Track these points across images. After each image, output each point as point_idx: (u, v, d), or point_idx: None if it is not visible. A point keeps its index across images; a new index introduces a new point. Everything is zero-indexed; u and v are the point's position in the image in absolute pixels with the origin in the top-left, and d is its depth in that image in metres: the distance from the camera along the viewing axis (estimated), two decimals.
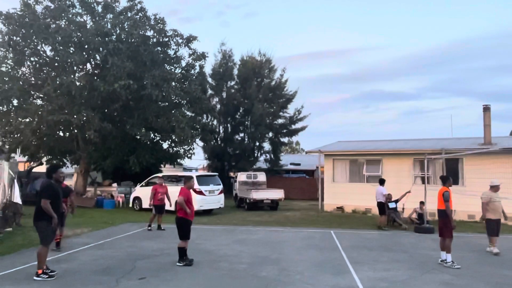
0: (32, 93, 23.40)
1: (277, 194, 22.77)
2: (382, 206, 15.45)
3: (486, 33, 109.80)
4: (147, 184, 20.22)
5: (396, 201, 16.23)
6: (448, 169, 18.40)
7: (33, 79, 23.20)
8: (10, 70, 22.74)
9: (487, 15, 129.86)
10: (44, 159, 26.64)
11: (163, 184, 14.81)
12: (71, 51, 22.08)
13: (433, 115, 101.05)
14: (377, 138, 34.97)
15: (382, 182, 16.01)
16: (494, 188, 11.01)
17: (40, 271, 7.34)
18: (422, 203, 15.76)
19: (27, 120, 22.82)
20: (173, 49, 26.06)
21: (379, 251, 10.66)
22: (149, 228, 13.89)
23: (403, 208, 16.99)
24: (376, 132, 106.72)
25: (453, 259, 9.11)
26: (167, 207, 14.41)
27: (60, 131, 24.79)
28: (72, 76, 22.23)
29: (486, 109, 20.06)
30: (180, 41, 25.76)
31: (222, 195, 20.10)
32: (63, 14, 22.46)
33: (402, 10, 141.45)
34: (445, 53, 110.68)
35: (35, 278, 7.26)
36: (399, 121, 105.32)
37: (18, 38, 22.34)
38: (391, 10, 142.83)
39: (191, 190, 9.17)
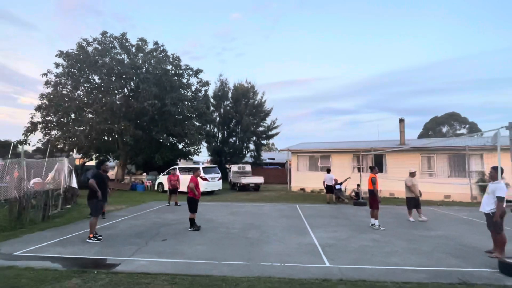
0: (85, 109, 22.87)
1: (259, 179, 22.78)
2: (330, 188, 15.58)
3: (402, 67, 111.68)
4: (167, 173, 20.02)
5: (341, 184, 16.39)
6: (376, 162, 18.74)
7: (85, 99, 22.71)
8: (69, 92, 22.22)
9: (403, 55, 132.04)
10: (93, 156, 26.20)
11: (175, 174, 14.81)
12: (113, 79, 21.67)
13: (366, 124, 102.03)
14: (328, 140, 35.19)
15: (328, 171, 16.15)
16: (413, 174, 11.04)
17: (91, 235, 7.26)
18: (358, 185, 15.96)
19: (81, 128, 22.35)
20: (185, 78, 25.71)
21: (329, 219, 10.75)
22: (168, 204, 13.92)
23: (345, 189, 17.18)
24: (328, 136, 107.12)
25: (380, 223, 9.27)
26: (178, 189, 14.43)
27: (105, 136, 24.31)
28: (113, 97, 21.80)
29: (401, 120, 20.38)
30: (190, 73, 25.47)
31: (221, 181, 20.01)
32: (107, 53, 22.05)
33: (345, 49, 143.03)
34: (375, 81, 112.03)
35: (87, 240, 7.17)
36: (343, 129, 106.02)
37: (75, 70, 21.84)
38: (336, 50, 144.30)
39: (198, 178, 9.16)
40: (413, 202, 10.73)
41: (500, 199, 6.04)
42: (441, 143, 17.02)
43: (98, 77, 22.16)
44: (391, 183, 16.97)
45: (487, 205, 6.34)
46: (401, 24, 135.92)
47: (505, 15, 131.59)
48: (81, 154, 25.33)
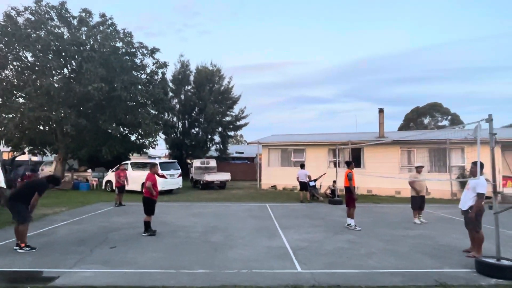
0: (15, 92, 21.55)
1: (225, 176, 22.81)
2: (304, 185, 15.94)
3: (381, 54, 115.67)
4: (117, 170, 19.49)
5: (315, 181, 16.82)
6: (353, 156, 19.39)
7: (15, 80, 21.38)
8: None
9: (382, 41, 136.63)
10: (26, 149, 24.86)
11: (124, 170, 14.74)
12: (49, 58, 20.52)
13: (343, 115, 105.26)
14: (302, 132, 35.90)
15: (302, 166, 16.50)
16: (418, 169, 10.84)
17: (23, 244, 6.94)
18: (334, 181, 16.44)
19: (10, 115, 21.07)
20: (139, 58, 24.96)
21: (302, 219, 11.03)
22: (116, 205, 13.69)
23: (320, 185, 17.63)
24: (302, 128, 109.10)
25: (356, 223, 9.66)
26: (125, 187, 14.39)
27: (40, 126, 23.09)
28: (50, 78, 20.67)
29: (381, 111, 21.16)
30: (145, 52, 24.76)
31: (181, 178, 19.82)
32: (42, 26, 20.79)
33: (321, 32, 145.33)
34: (353, 68, 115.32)
35: (18, 250, 6.85)
36: (318, 119, 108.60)
37: (1, 45, 20.43)
38: (314, 32, 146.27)
39: (155, 174, 9.02)
40: (419, 201, 10.46)
41: (480, 196, 6.50)
42: (422, 136, 17.92)
43: (31, 54, 20.88)
44: (369, 179, 17.66)
45: (467, 202, 6.79)
46: (382, 8, 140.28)
47: (487, 3, 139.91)
48: (10, 147, 23.93)
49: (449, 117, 49.99)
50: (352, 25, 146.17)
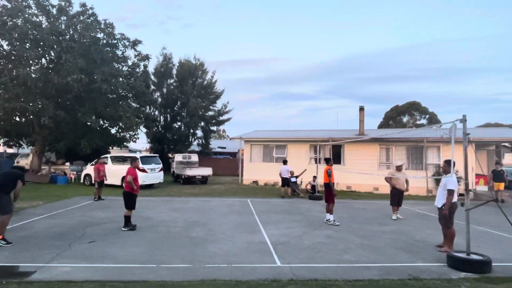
0: None
1: (207, 171, 22.74)
2: (286, 180, 16.12)
3: (363, 53, 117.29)
4: (96, 163, 19.16)
5: (296, 177, 17.01)
6: (334, 153, 19.69)
7: None
8: None
9: (365, 40, 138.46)
10: (1, 141, 24.08)
11: (103, 164, 14.63)
12: (27, 47, 19.86)
13: (325, 112, 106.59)
14: (284, 128, 36.10)
15: (285, 162, 16.67)
16: (398, 167, 10.95)
17: (0, 237, 6.79)
18: (314, 177, 16.68)
19: None
20: (120, 50, 24.48)
21: (282, 214, 11.16)
22: (96, 199, 13.50)
23: (301, 182, 17.84)
24: (285, 124, 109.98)
25: (335, 218, 9.86)
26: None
27: (17, 117, 22.40)
28: (28, 68, 20.05)
29: (361, 109, 21.51)
30: (127, 43, 24.30)
31: (162, 172, 19.64)
32: (19, 14, 20.06)
33: (305, 30, 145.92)
34: (335, 65, 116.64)
35: None
36: (301, 116, 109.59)
37: None
38: (298, 29, 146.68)
39: (136, 169, 8.95)
40: (397, 196, 10.65)
41: (450, 192, 6.79)
42: (400, 135, 18.35)
43: (7, 42, 20.15)
44: (349, 176, 17.98)
45: (440, 199, 7.10)
46: (365, 8, 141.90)
47: (466, 7, 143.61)
48: None
49: (427, 116, 51.21)
50: (335, 23, 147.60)
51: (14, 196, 7.10)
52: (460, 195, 7.62)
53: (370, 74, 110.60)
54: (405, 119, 52.60)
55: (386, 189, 17.32)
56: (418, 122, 50.87)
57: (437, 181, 17.38)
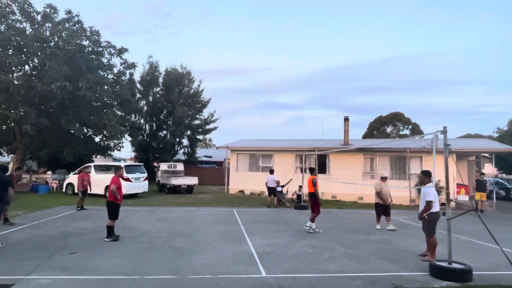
0: None
1: (193, 180, 22.54)
2: (272, 190, 16.13)
3: (348, 63, 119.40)
4: (79, 172, 18.77)
5: (282, 186, 17.04)
6: (319, 162, 19.82)
7: None
8: None
9: (349, 51, 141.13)
10: None
11: (88, 173, 14.41)
12: (10, 53, 19.50)
13: (310, 121, 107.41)
14: (270, 137, 36.18)
15: (271, 171, 16.70)
16: (384, 179, 10.86)
17: None
18: (300, 187, 16.73)
19: None
20: (106, 57, 24.22)
21: (268, 224, 11.15)
22: (78, 209, 13.20)
23: (287, 191, 17.87)
24: (270, 133, 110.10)
25: (320, 228, 9.91)
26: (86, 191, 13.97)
27: None
28: (10, 75, 19.65)
29: (346, 119, 21.78)
30: (113, 51, 24.07)
31: (147, 181, 19.36)
32: (2, 19, 19.74)
33: (290, 40, 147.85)
34: (320, 76, 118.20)
35: None
36: (286, 125, 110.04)
37: None
38: (283, 39, 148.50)
39: (120, 178, 8.83)
40: (382, 208, 10.70)
41: (428, 203, 6.95)
42: (384, 145, 18.65)
43: None
44: (334, 185, 18.13)
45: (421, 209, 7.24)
46: (347, 19, 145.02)
47: (445, 20, 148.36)
48: None
49: (410, 127, 52.19)
50: (320, 34, 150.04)
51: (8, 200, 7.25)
52: (442, 204, 7.77)
53: (355, 85, 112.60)
54: (388, 129, 53.49)
55: (370, 198, 17.51)
56: (401, 133, 51.77)
57: (420, 191, 17.68)
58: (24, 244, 7.64)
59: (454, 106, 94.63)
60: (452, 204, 15.17)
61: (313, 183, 10.00)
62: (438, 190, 7.42)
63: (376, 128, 53.29)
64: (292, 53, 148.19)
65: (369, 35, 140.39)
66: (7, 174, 8.28)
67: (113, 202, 8.40)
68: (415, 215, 14.05)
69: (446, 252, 6.28)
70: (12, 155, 23.90)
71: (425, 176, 7.31)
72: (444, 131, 6.36)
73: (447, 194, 6.39)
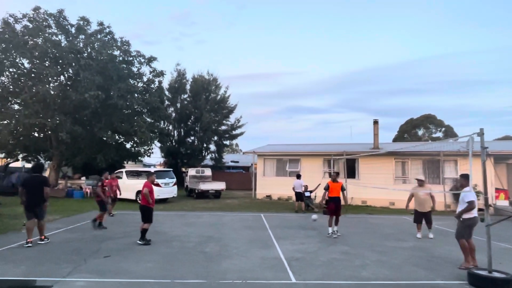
0: (10, 99, 21.53)
1: (220, 185, 22.75)
2: (300, 195, 15.99)
3: (375, 66, 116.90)
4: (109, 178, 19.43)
5: (311, 191, 16.86)
6: (348, 167, 19.47)
7: (11, 87, 21.35)
8: None
9: (378, 52, 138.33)
10: (20, 156, 24.69)
11: (115, 179, 14.38)
12: (46, 65, 20.57)
13: (338, 125, 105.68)
14: (297, 142, 35.95)
15: (298, 176, 16.58)
16: (420, 182, 10.31)
17: (43, 237, 8.39)
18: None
19: (5, 122, 21.01)
20: (136, 66, 25.07)
21: (297, 229, 11.05)
22: (111, 215, 13.51)
23: (315, 196, 17.65)
24: (297, 137, 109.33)
25: (351, 234, 9.74)
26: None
27: (35, 132, 23.01)
28: (47, 86, 20.70)
29: (375, 122, 21.32)
30: (142, 60, 24.88)
31: (176, 186, 19.72)
32: (40, 33, 20.88)
33: (316, 43, 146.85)
34: (348, 78, 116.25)
35: (38, 242, 8.22)
36: (314, 129, 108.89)
37: None
38: (309, 43, 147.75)
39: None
40: (419, 215, 10.12)
41: (470, 203, 6.70)
42: (416, 148, 18.08)
43: (28, 61, 20.95)
44: (364, 190, 17.74)
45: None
46: (377, 19, 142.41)
47: (480, 18, 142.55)
48: (4, 154, 23.76)
49: (443, 129, 50.44)
50: (347, 36, 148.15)
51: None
52: (480, 210, 7.43)
53: (383, 87, 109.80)
54: (420, 132, 51.90)
55: (402, 203, 16.96)
56: (434, 135, 50.10)
57: (455, 196, 16.97)
58: (61, 247, 7.96)
59: (490, 107, 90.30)
60: (491, 209, 14.47)
61: (342, 189, 10.17)
62: (475, 194, 7.10)
63: (407, 131, 51.85)
64: (318, 56, 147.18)
65: (398, 35, 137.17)
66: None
67: (146, 206, 8.61)
68: (450, 221, 13.52)
69: (485, 260, 5.99)
70: (49, 161, 25.09)
71: (465, 180, 7.05)
72: (480, 133, 6.11)
73: (485, 199, 6.11)
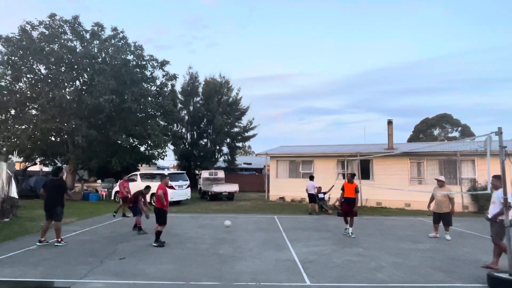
0: (28, 104, 22.08)
1: (233, 187, 22.80)
2: (313, 197, 15.90)
3: (390, 65, 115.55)
4: (127, 181, 19.65)
5: (324, 193, 16.73)
6: (362, 168, 19.26)
7: (29, 92, 21.90)
8: (8, 84, 21.36)
9: (390, 51, 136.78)
10: (37, 160, 25.26)
11: (127, 180, 14.87)
12: (62, 70, 21.06)
13: (351, 126, 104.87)
14: (310, 143, 35.91)
15: (311, 178, 16.48)
16: (440, 183, 10.17)
17: (59, 239, 8.43)
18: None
19: (23, 127, 21.56)
20: (149, 70, 25.45)
21: (310, 231, 10.97)
22: (127, 216, 13.70)
23: (329, 198, 17.51)
24: (309, 139, 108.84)
25: (365, 236, 9.64)
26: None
27: (52, 137, 23.52)
28: (63, 91, 21.16)
29: (390, 122, 21.06)
30: (155, 64, 25.24)
31: (189, 189, 19.88)
32: (56, 39, 21.39)
33: (327, 44, 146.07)
34: (360, 78, 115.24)
35: (55, 244, 8.31)
36: (326, 130, 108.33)
37: (16, 58, 21.04)
38: (319, 43, 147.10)
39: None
40: (436, 216, 10.04)
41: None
42: (431, 148, 17.77)
43: (44, 66, 21.46)
44: (379, 191, 17.52)
45: (493, 212, 6.74)
46: (389, 18, 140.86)
47: (496, 14, 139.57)
48: (22, 158, 24.35)
49: (459, 128, 49.49)
50: (358, 36, 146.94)
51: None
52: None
53: (397, 87, 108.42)
54: (436, 132, 51.05)
55: (418, 205, 16.78)
56: (450, 135, 49.19)
57: (473, 196, 16.61)
58: (77, 249, 8.10)
59: (509, 105, 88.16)
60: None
61: (356, 190, 10.16)
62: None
63: (422, 131, 51.07)
64: (329, 57, 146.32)
65: (411, 34, 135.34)
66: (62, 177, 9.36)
67: (160, 209, 8.66)
68: (468, 222, 13.24)
69: (506, 263, 5.83)
70: (65, 165, 25.60)
71: (498, 180, 6.84)
72: (499, 132, 5.96)
73: (505, 200, 5.95)
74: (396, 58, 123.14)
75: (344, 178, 17.19)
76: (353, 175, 10.77)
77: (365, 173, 19.36)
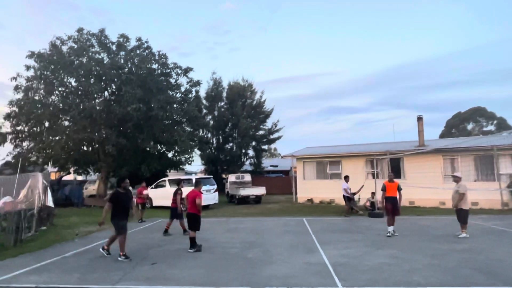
0: (61, 116, 23.02)
1: (260, 190, 22.79)
2: (345, 197, 15.63)
3: (417, 59, 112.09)
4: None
5: (354, 194, 16.41)
6: (392, 166, 18.75)
7: (61, 105, 22.84)
8: (42, 98, 22.39)
9: (417, 46, 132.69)
10: (71, 169, 26.27)
11: (145, 187, 15.32)
12: (91, 82, 21.83)
13: (379, 124, 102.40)
14: (337, 143, 35.30)
15: (345, 178, 16.08)
16: (456, 179, 10.26)
17: (122, 253, 7.85)
18: (373, 193, 15.99)
19: (57, 138, 22.49)
20: (174, 78, 25.96)
21: (341, 233, 10.77)
22: (140, 221, 14.08)
23: (359, 198, 17.16)
24: (336, 138, 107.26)
25: (399, 237, 9.42)
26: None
27: (84, 146, 24.42)
28: (93, 102, 21.96)
29: (419, 119, 20.43)
30: (179, 71, 25.70)
31: (217, 193, 20.03)
32: (84, 52, 22.23)
33: (350, 42, 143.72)
34: (386, 75, 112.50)
35: (118, 258, 7.77)
36: (353, 130, 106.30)
37: (48, 73, 22.03)
38: (343, 42, 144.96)
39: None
40: (456, 213, 10.01)
41: None
42: (465, 144, 17.06)
43: (74, 79, 22.32)
44: (411, 190, 16.97)
45: None
46: (413, 15, 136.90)
47: None
48: (57, 168, 25.38)
49: (495, 122, 47.35)
50: (381, 32, 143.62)
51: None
52: None
53: (425, 82, 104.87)
54: (469, 126, 49.08)
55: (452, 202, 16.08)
56: (485, 129, 47.11)
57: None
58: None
59: None
60: None
61: (398, 188, 10.29)
62: None
63: (455, 126, 49.28)
64: (353, 55, 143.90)
65: (440, 27, 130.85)
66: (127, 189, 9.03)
67: (194, 214, 8.69)
68: (509, 220, 12.57)
69: None
70: (98, 173, 26.51)
71: None
72: None
73: None
74: (422, 53, 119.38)
75: (374, 177, 16.78)
76: (393, 174, 10.90)
77: (396, 172, 18.78)
